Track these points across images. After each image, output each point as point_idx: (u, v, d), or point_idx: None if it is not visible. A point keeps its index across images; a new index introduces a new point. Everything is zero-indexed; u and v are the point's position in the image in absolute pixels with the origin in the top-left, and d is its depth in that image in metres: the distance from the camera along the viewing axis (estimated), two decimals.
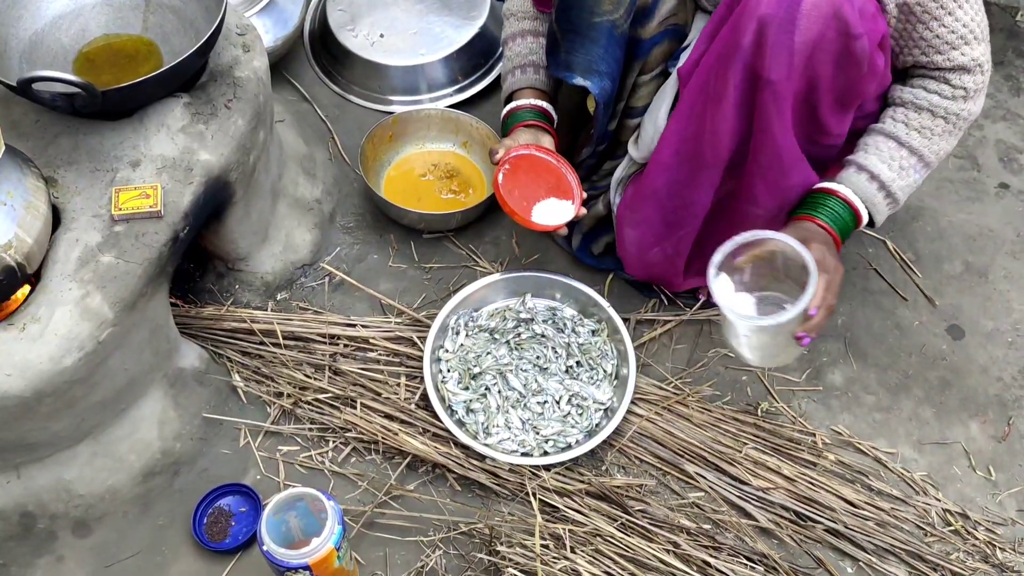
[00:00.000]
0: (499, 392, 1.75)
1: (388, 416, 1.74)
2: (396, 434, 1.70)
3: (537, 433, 1.70)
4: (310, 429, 1.74)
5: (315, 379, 1.78)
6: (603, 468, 1.71)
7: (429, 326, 1.83)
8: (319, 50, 2.25)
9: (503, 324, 1.84)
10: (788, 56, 1.42)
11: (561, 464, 1.68)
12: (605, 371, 1.78)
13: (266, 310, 1.87)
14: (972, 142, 2.20)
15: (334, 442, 1.73)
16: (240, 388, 1.77)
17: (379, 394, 1.76)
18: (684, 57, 1.64)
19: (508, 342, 1.81)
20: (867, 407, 1.82)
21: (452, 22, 2.18)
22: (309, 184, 2.01)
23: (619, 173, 1.81)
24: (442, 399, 1.73)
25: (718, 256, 1.40)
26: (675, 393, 1.78)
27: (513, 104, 1.78)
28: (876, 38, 1.47)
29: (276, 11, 2.07)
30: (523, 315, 1.85)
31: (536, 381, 1.76)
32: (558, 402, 1.74)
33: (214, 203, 1.65)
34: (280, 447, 1.73)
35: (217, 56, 1.69)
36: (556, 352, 1.80)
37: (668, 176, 1.65)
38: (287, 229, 1.92)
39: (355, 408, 1.74)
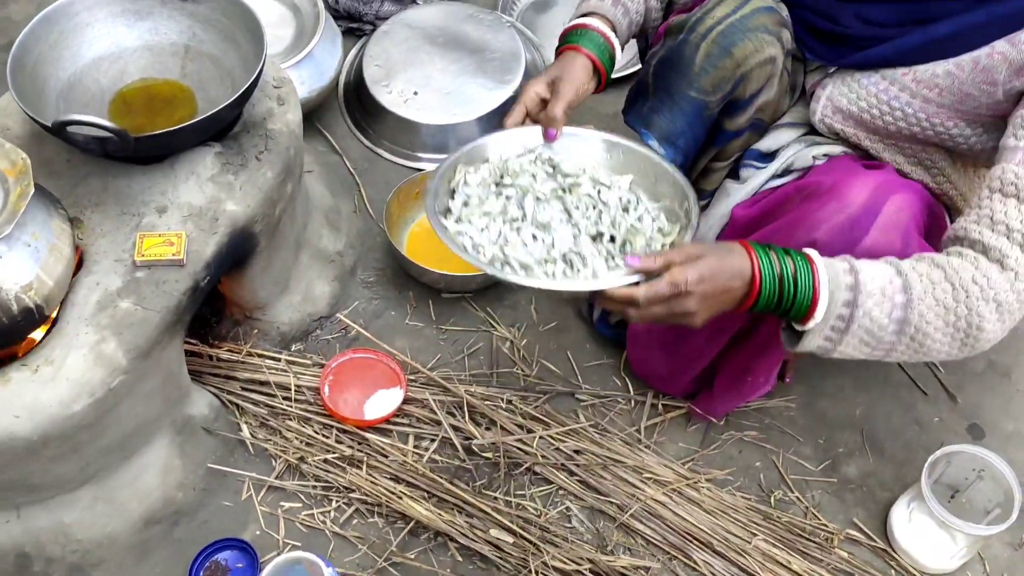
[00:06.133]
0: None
1: (394, 478, 1.72)
2: (400, 498, 1.68)
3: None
4: (314, 487, 1.72)
5: (323, 436, 1.76)
6: (608, 548, 1.68)
7: (443, 387, 1.81)
8: (353, 103, 2.26)
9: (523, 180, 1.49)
10: None
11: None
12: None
13: (279, 360, 1.85)
14: None
15: (337, 502, 1.71)
16: (248, 440, 1.75)
17: (386, 455, 1.74)
18: (758, 174, 1.63)
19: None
20: (882, 503, 1.78)
21: (486, 84, 2.19)
22: (333, 236, 2.01)
23: None
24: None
25: None
26: (687, 476, 1.75)
27: (583, 21, 1.56)
28: None
29: (313, 63, 2.09)
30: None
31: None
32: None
33: (237, 253, 1.65)
34: (282, 503, 1.71)
35: (251, 107, 1.70)
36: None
37: (689, 348, 1.68)
38: (307, 280, 1.92)
39: (360, 469, 1.72)
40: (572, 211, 1.43)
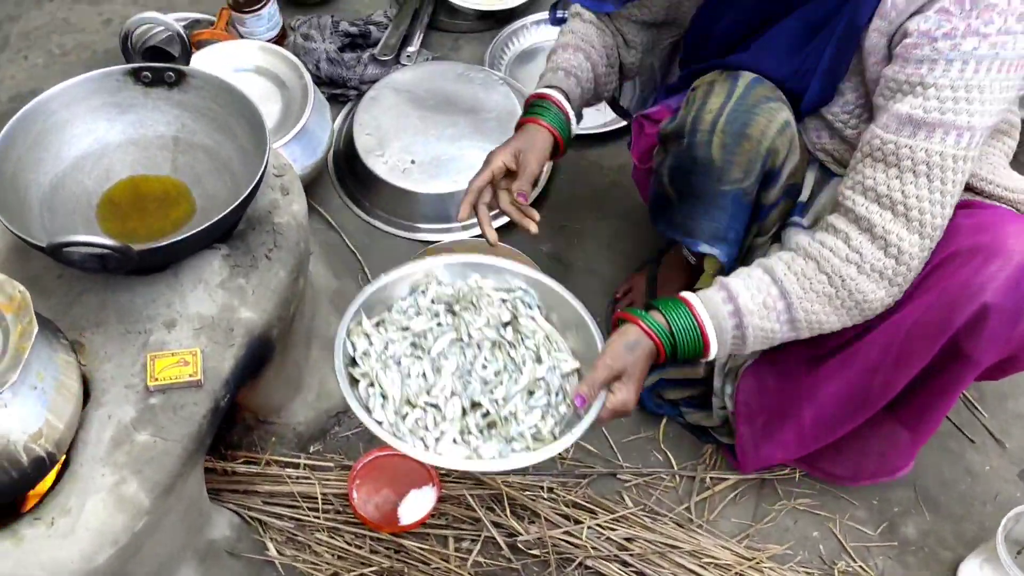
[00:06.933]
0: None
1: None
2: None
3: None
4: None
5: (356, 547, 1.63)
6: None
7: (477, 479, 1.70)
8: (344, 174, 2.14)
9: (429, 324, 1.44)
10: (1004, 344, 1.35)
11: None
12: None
13: (299, 466, 1.72)
14: None
15: None
16: (276, 560, 1.61)
17: (427, 563, 1.62)
18: (801, 216, 1.57)
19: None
20: (946, 564, 1.71)
21: (485, 147, 2.05)
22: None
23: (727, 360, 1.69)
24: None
25: None
26: (747, 557, 1.65)
27: (544, 91, 1.61)
28: None
29: (306, 138, 1.97)
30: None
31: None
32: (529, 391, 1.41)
33: (255, 364, 1.51)
34: None
35: (255, 201, 1.57)
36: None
37: (824, 421, 1.56)
38: (320, 375, 1.79)
39: None
40: (477, 369, 1.40)
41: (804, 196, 1.59)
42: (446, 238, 2.02)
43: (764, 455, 1.67)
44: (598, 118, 2.25)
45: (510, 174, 1.56)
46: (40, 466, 1.25)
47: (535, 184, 1.58)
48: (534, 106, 1.61)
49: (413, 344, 1.41)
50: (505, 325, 1.44)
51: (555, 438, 1.33)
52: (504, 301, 1.47)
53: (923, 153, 1.29)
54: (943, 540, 1.74)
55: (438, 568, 1.61)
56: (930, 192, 1.30)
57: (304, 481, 1.69)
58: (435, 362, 1.39)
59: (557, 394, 1.38)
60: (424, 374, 1.38)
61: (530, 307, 1.47)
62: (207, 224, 1.40)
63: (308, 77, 2.00)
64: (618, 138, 2.25)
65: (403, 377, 1.37)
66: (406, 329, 1.42)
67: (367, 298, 1.43)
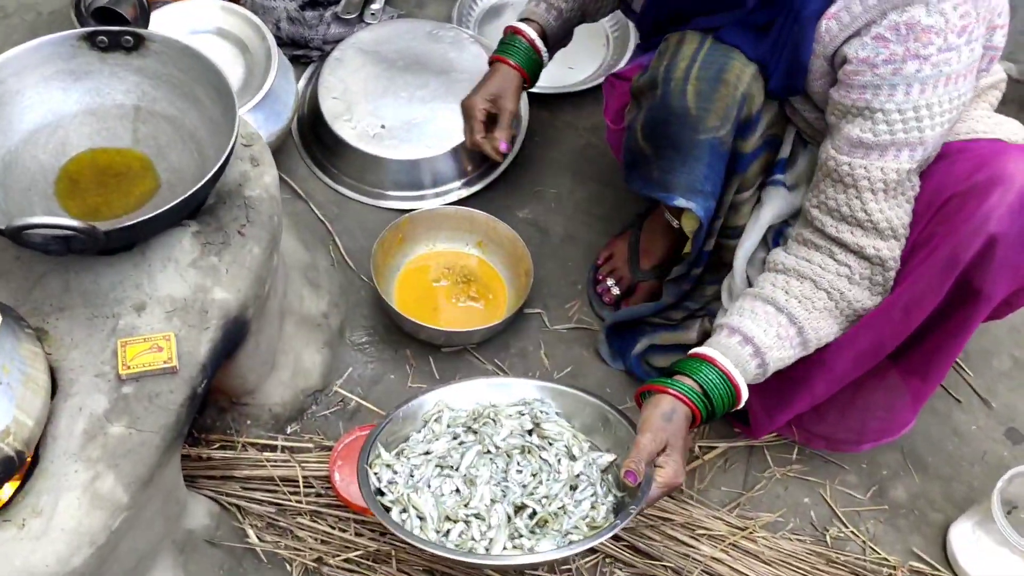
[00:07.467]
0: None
1: (428, 569, 1.55)
2: None
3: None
4: None
5: (340, 530, 1.57)
6: None
7: None
8: (310, 141, 2.05)
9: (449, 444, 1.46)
10: (1015, 273, 1.32)
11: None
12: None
13: (276, 448, 1.66)
14: None
15: None
16: (256, 547, 1.55)
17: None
18: (783, 174, 1.54)
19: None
20: (936, 526, 1.70)
21: (458, 109, 2.00)
22: (314, 296, 1.81)
23: None
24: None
25: None
26: (739, 527, 1.63)
27: (519, 26, 1.73)
28: None
29: (270, 104, 1.87)
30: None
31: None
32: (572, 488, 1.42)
33: (232, 346, 1.44)
34: None
35: (224, 174, 1.48)
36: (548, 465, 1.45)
37: (837, 385, 1.51)
38: (295, 352, 1.72)
39: (390, 564, 1.54)
40: (512, 474, 1.41)
41: (785, 152, 1.56)
42: (420, 206, 1.95)
43: (777, 419, 1.63)
44: (570, 76, 2.18)
45: (490, 117, 1.72)
46: (9, 466, 1.17)
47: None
48: (506, 43, 1.72)
49: (439, 466, 1.40)
50: (529, 432, 1.44)
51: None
52: (522, 414, 1.47)
53: (879, 171, 1.33)
54: (933, 502, 1.73)
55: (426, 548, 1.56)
56: (888, 204, 1.35)
57: (283, 464, 1.62)
58: (467, 476, 1.38)
59: (602, 485, 1.39)
60: (457, 489, 1.37)
61: (548, 414, 1.48)
62: (178, 200, 1.32)
63: (271, 38, 1.90)
64: (591, 97, 2.18)
65: (436, 497, 1.36)
66: (428, 453, 1.41)
67: (381, 433, 1.43)
